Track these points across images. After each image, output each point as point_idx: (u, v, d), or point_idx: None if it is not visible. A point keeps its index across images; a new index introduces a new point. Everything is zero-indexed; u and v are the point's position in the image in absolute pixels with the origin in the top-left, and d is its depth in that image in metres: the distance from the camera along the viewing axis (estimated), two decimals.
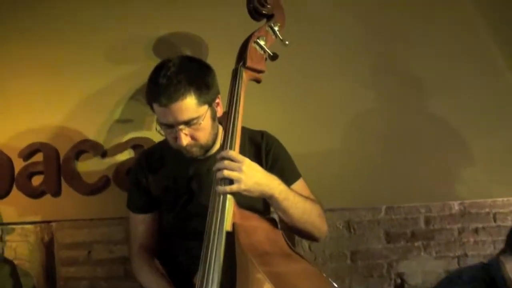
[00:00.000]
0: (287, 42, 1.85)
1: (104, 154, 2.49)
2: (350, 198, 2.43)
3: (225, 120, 1.72)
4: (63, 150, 2.50)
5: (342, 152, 2.41)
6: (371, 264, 2.41)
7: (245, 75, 1.80)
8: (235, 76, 1.80)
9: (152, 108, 1.73)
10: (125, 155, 2.48)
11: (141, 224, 1.95)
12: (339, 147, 2.41)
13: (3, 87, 2.59)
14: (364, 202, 2.44)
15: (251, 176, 1.56)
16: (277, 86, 2.37)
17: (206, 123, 1.71)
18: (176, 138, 1.69)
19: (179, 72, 1.67)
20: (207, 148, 1.78)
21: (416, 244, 2.41)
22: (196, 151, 1.75)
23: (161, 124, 1.72)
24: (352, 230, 2.43)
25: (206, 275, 1.50)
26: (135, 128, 2.49)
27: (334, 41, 2.43)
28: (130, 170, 2.19)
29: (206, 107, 1.70)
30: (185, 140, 1.69)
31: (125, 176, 2.44)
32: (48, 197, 2.51)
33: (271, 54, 1.83)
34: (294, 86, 2.43)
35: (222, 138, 1.69)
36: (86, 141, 2.49)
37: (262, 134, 1.91)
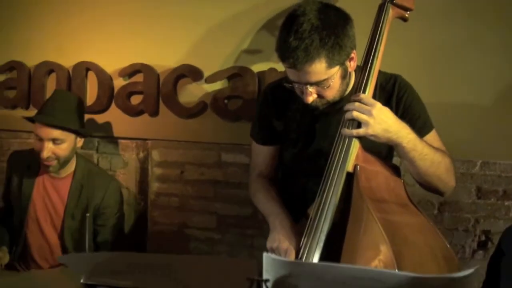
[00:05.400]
0: None
1: (203, 80, 2.47)
2: (446, 148, 2.37)
3: (363, 59, 1.64)
4: (164, 73, 2.50)
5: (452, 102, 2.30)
6: (458, 217, 2.42)
7: (392, 12, 1.71)
8: (380, 12, 1.71)
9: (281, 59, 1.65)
10: (224, 83, 2.46)
11: (261, 154, 1.96)
12: (454, 98, 2.29)
13: (106, 9, 2.56)
14: (460, 154, 2.39)
15: (381, 121, 1.51)
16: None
17: (335, 82, 1.64)
18: (303, 93, 1.65)
19: (312, 30, 1.54)
20: (333, 103, 1.71)
21: (506, 203, 2.38)
22: (321, 105, 1.70)
23: (288, 78, 1.67)
24: None
25: (321, 209, 1.54)
26: (235, 58, 2.43)
27: None
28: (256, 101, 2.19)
29: (337, 67, 1.61)
30: (311, 98, 1.64)
31: (222, 103, 2.44)
32: (145, 116, 2.56)
33: None
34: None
35: (357, 79, 1.65)
36: (186, 66, 2.46)
37: (396, 78, 1.77)
